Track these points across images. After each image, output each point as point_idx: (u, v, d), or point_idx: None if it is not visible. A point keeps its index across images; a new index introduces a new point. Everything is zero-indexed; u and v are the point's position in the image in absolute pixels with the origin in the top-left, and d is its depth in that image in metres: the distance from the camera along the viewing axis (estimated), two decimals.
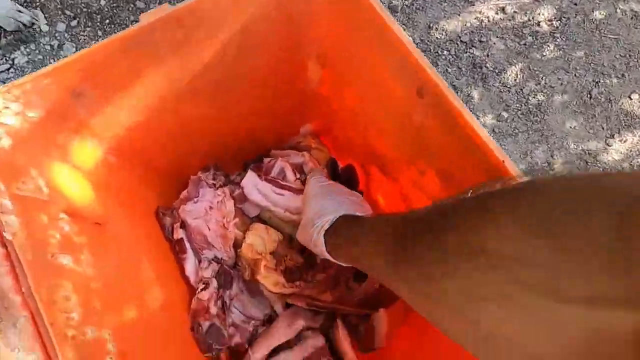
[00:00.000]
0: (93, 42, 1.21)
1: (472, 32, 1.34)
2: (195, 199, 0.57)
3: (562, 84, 1.32)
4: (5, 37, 1.19)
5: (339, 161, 0.74)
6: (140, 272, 0.46)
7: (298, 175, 0.62)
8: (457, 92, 1.26)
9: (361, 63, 0.48)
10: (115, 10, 1.26)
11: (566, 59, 1.35)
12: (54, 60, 1.17)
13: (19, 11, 1.13)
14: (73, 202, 0.40)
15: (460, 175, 0.42)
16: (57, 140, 0.41)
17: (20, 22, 1.14)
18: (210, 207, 0.56)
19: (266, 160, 0.68)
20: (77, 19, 1.23)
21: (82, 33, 1.22)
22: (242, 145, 0.70)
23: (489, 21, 1.36)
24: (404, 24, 1.32)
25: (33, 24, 1.17)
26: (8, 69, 1.17)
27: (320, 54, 0.55)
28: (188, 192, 0.57)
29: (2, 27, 1.15)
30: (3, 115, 0.36)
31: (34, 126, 0.38)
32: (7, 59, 1.17)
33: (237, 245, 0.57)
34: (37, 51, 1.19)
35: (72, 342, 0.29)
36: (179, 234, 0.56)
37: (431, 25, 1.33)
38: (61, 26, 1.21)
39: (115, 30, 1.23)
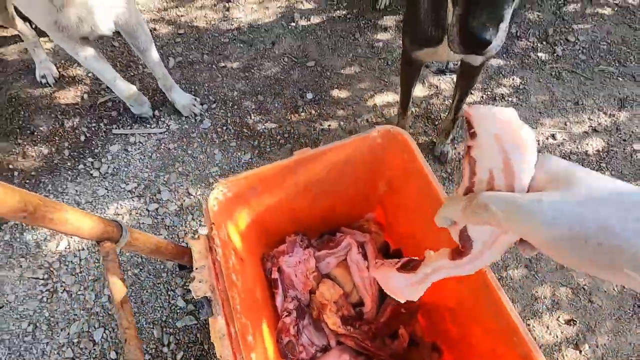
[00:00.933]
0: (223, 120, 1.66)
1: None
2: (290, 254, 0.85)
3: None
4: (165, 106, 1.69)
5: (390, 245, 0.99)
6: (255, 294, 0.74)
7: (360, 250, 0.88)
8: None
9: (415, 195, 0.75)
10: (242, 100, 1.72)
11: None
12: (197, 131, 1.63)
13: (194, 105, 1.63)
14: (235, 244, 0.71)
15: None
16: (234, 210, 0.73)
17: (193, 111, 1.63)
18: (299, 262, 0.84)
19: (338, 234, 0.95)
20: (216, 103, 1.71)
21: (216, 113, 1.69)
22: (322, 222, 0.99)
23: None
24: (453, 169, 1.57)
25: (202, 114, 1.65)
26: (163, 132, 1.65)
27: (388, 180, 0.84)
28: (286, 247, 0.86)
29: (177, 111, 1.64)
30: (219, 194, 0.69)
31: (227, 201, 0.71)
32: (165, 124, 1.66)
33: (311, 291, 0.83)
34: (185, 122, 1.66)
35: (238, 322, 0.57)
36: (275, 275, 0.84)
37: None
38: (204, 107, 1.69)
39: (239, 114, 1.68)
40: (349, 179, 0.81)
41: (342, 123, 1.63)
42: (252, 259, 0.81)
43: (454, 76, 1.72)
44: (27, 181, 1.53)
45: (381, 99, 1.69)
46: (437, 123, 1.62)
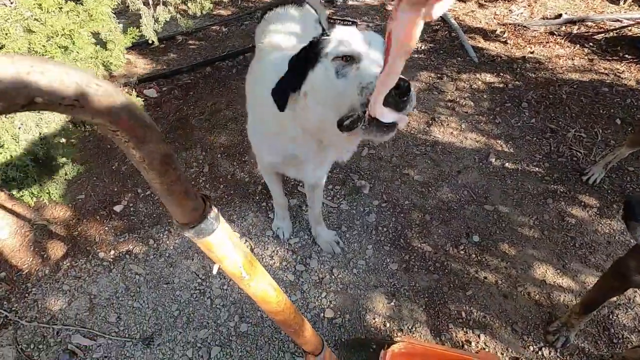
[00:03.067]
0: (387, 221, 1.79)
1: None
2: None
3: None
4: (346, 186, 1.92)
5: None
6: None
7: None
8: None
9: None
10: (410, 211, 1.83)
11: None
12: (361, 220, 1.80)
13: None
14: None
15: None
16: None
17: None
18: None
19: None
20: (387, 203, 1.86)
21: (383, 213, 1.83)
22: None
23: None
24: None
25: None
26: (335, 208, 1.87)
27: None
28: None
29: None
30: (397, 348, 0.76)
31: (399, 353, 0.77)
32: (338, 201, 1.88)
33: None
34: (354, 208, 1.85)
35: None
36: None
37: None
38: (372, 216, 1.86)
39: (402, 223, 1.78)
40: None
41: (499, 282, 1.55)
42: None
43: None
44: (225, 197, 1.94)
45: (553, 279, 1.55)
46: (614, 340, 1.38)
